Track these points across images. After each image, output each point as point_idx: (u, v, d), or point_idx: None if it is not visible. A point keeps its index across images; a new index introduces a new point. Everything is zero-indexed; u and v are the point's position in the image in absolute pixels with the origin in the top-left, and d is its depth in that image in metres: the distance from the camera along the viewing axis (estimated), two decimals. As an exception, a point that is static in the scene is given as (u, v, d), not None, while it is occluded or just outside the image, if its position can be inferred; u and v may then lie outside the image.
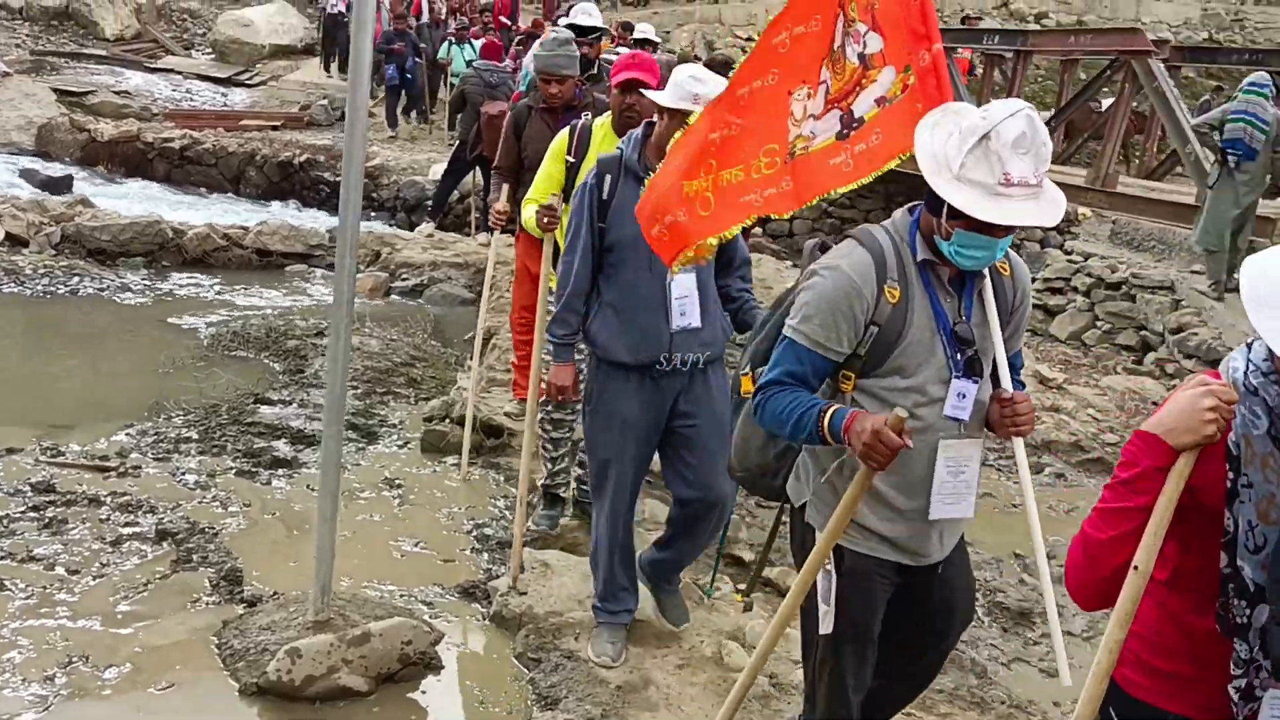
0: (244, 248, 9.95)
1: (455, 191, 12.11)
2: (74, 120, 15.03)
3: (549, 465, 4.85)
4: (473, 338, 8.14)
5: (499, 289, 8.85)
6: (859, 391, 2.48)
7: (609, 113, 4.37)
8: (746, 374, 2.68)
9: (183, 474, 5.37)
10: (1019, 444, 2.59)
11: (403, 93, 15.94)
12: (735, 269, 3.73)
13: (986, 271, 2.48)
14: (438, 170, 13.82)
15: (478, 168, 10.92)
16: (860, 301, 2.39)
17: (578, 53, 5.70)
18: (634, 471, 3.70)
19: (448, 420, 6.09)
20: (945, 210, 2.30)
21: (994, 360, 2.52)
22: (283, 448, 5.81)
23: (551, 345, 3.77)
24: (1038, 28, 15.93)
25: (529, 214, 4.34)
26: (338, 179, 14.13)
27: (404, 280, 9.70)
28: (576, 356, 3.96)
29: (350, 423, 6.25)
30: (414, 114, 16.46)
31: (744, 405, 2.69)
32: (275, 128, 16.12)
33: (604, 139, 4.31)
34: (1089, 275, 10.03)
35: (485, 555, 4.87)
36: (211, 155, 14.39)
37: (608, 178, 3.55)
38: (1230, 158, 8.71)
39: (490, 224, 5.33)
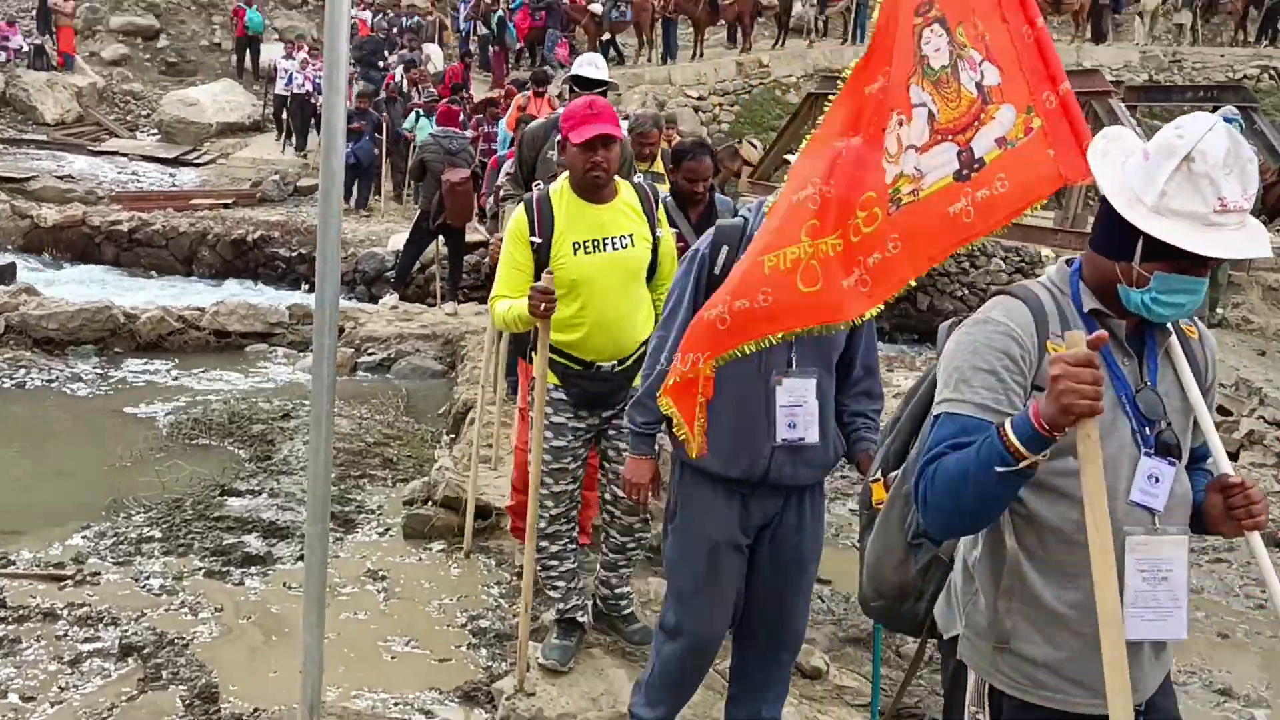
0: (200, 329, 9.53)
1: (417, 262, 11.80)
2: (15, 207, 14.55)
3: (556, 594, 4.03)
4: (448, 412, 7.80)
5: (472, 359, 8.52)
6: None
7: (564, 176, 3.73)
8: (877, 480, 2.24)
9: (146, 578, 4.93)
10: (1257, 541, 1.96)
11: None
12: (854, 382, 3.14)
13: (1171, 327, 2.02)
14: (396, 241, 13.52)
15: (440, 236, 10.63)
16: (1024, 355, 1.90)
17: None
18: (722, 610, 3.13)
19: (430, 503, 5.71)
20: (1139, 251, 1.87)
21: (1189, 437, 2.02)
22: (254, 543, 5.39)
23: (630, 433, 3.25)
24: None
25: (507, 309, 3.59)
26: (293, 254, 13.89)
27: (370, 355, 9.32)
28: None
29: (325, 511, 5.85)
30: (369, 191, 16.14)
31: (874, 520, 2.22)
32: (227, 205, 15.74)
33: (568, 207, 3.66)
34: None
35: (484, 651, 4.47)
36: (162, 236, 13.95)
37: (724, 250, 3.02)
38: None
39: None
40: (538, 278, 3.52)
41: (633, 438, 3.23)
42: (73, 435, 7.12)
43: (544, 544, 3.89)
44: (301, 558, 5.22)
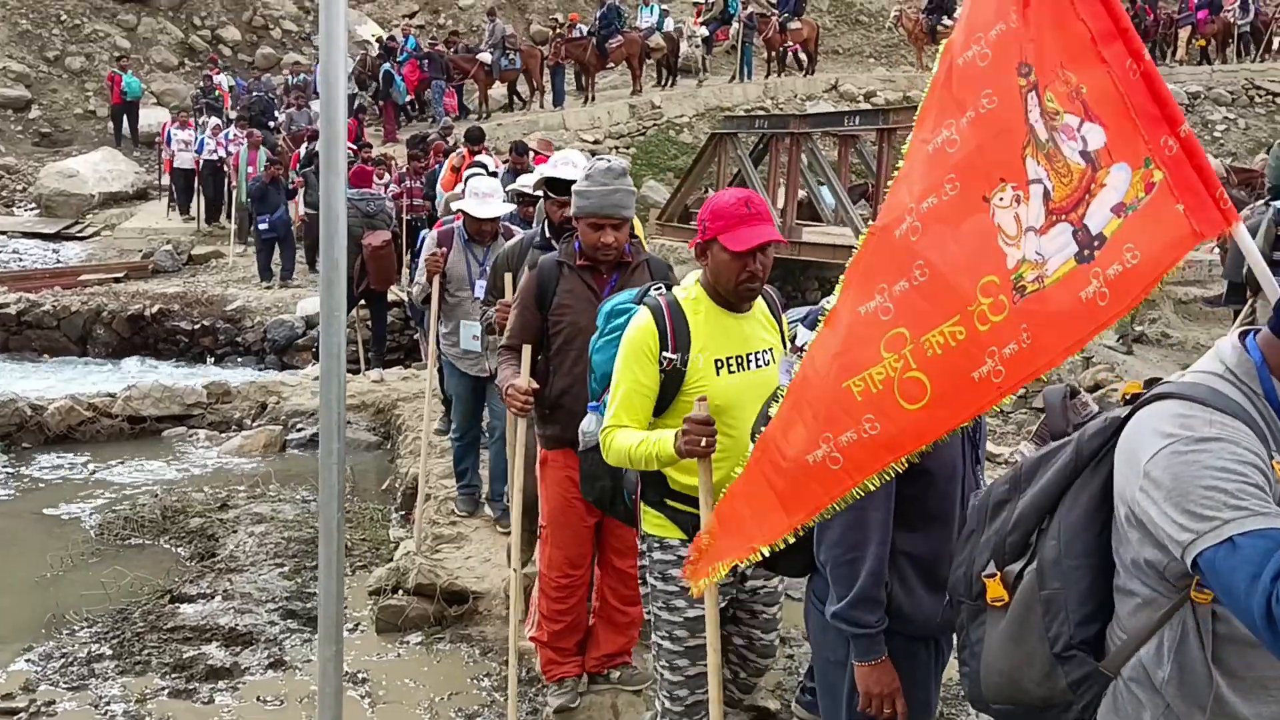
0: (113, 416, 9.03)
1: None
2: (-112, 296, 13.69)
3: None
4: (392, 487, 7.53)
5: (411, 429, 8.25)
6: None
7: (695, 279, 3.11)
8: (992, 576, 2.00)
9: (107, 704, 4.58)
10: None
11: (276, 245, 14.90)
12: None
13: None
14: (305, 306, 13.13)
15: (361, 300, 10.34)
16: (1267, 481, 1.65)
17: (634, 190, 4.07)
18: None
19: (401, 591, 5.44)
20: None
21: None
22: (217, 653, 5.06)
23: (857, 638, 2.55)
24: (899, 106, 16.46)
25: (636, 444, 2.92)
26: (195, 326, 13.36)
27: (299, 430, 8.96)
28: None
29: (285, 609, 5.56)
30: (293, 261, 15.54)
31: (996, 617, 2.00)
32: (118, 279, 15.08)
33: (706, 318, 3.04)
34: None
35: (488, 752, 4.26)
36: (53, 317, 13.25)
37: None
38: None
39: (515, 409, 3.78)
40: (665, 404, 3.02)
41: (863, 641, 2.55)
42: (-8, 545, 6.64)
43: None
44: (272, 665, 4.94)
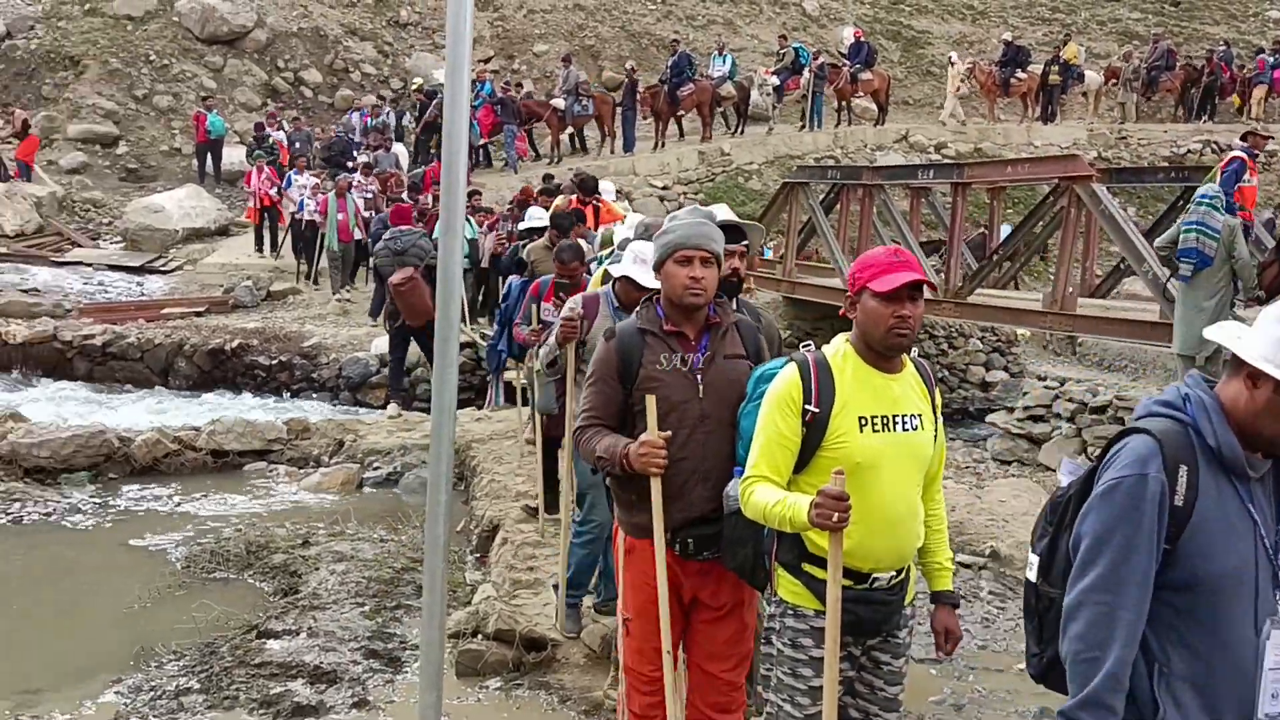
0: (197, 450, 9.27)
1: (404, 365, 11.72)
2: (-19, 324, 14.18)
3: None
4: (467, 529, 7.61)
5: (487, 471, 8.35)
6: None
7: (843, 340, 3.03)
8: None
9: (197, 738, 4.68)
10: None
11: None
12: None
13: None
14: (379, 345, 13.35)
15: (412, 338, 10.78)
16: None
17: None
18: None
19: (480, 636, 5.50)
20: None
21: None
22: (302, 690, 5.14)
23: None
24: (973, 159, 16.44)
25: (772, 503, 2.88)
26: (273, 362, 13.65)
27: (376, 469, 9.11)
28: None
29: (367, 648, 5.64)
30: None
31: None
32: (200, 313, 15.50)
33: (854, 374, 2.97)
34: (1070, 400, 9.96)
35: (571, 802, 4.27)
36: (137, 349, 13.65)
37: (1183, 471, 2.20)
38: (1184, 267, 8.78)
39: (656, 466, 3.27)
40: (806, 459, 2.95)
41: None
42: (83, 574, 6.82)
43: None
44: (356, 705, 5.02)
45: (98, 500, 8.24)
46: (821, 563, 2.85)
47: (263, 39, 24.18)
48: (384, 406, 11.52)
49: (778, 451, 2.96)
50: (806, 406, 2.93)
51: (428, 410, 10.73)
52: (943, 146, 22.79)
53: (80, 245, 19.03)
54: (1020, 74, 22.25)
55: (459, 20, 2.49)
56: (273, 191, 17.41)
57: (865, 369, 2.97)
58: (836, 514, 2.65)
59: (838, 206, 14.60)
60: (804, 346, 3.09)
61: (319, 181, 16.51)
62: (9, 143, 20.72)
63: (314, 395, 13.20)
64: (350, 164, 18.41)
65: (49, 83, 23.18)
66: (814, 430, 2.94)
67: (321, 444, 9.65)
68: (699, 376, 3.39)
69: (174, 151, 22.47)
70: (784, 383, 2.99)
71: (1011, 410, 10.65)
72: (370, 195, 16.00)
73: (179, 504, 8.26)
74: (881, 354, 2.96)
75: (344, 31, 25.34)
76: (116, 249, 19.13)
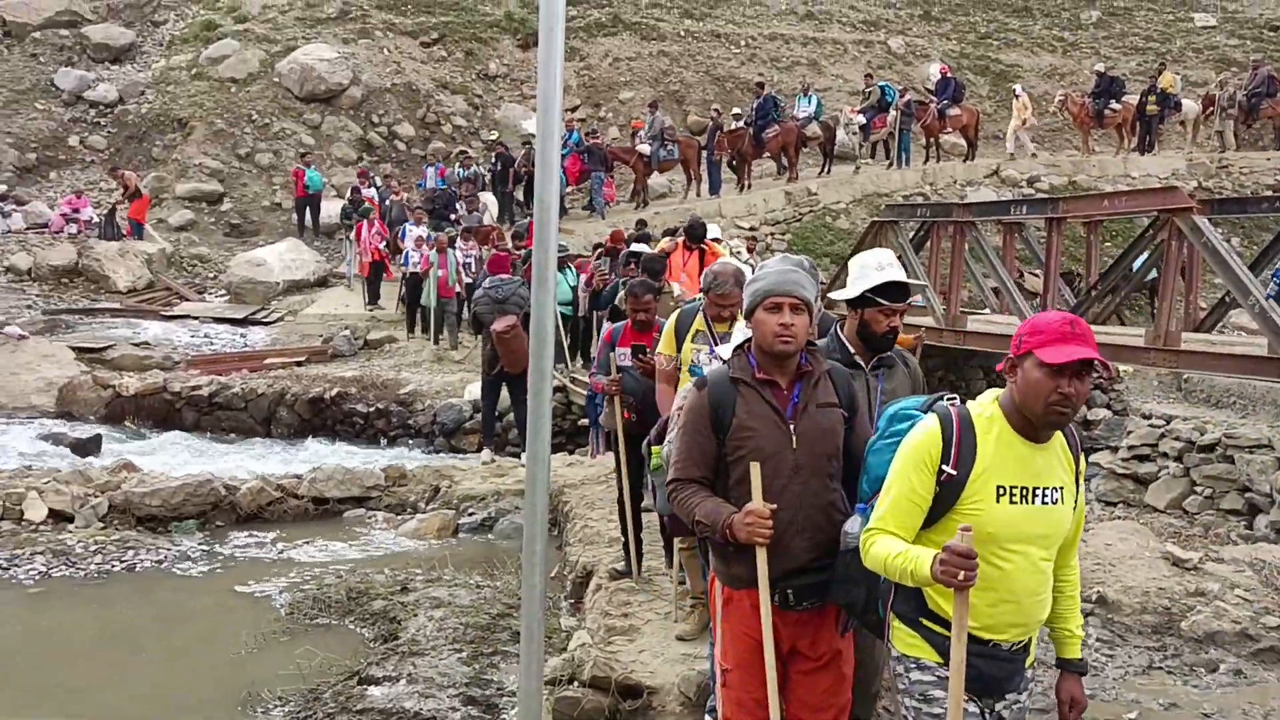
0: (299, 497, 9.51)
1: (496, 411, 11.86)
2: (96, 377, 14.78)
3: None
4: (560, 574, 7.65)
5: (579, 517, 8.39)
6: None
7: (990, 398, 2.92)
8: None
9: (302, 784, 4.77)
10: None
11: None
12: None
13: None
14: (473, 390, 13.52)
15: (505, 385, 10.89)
16: None
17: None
18: None
19: (576, 683, 5.51)
20: None
21: None
22: (403, 737, 5.22)
23: None
24: (1067, 194, 16.15)
25: (894, 555, 2.82)
26: (370, 409, 13.96)
27: (471, 515, 9.23)
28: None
29: (465, 695, 5.69)
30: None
31: None
32: (300, 363, 15.95)
33: (999, 440, 2.85)
34: (1177, 439, 9.65)
35: None
36: (241, 399, 14.10)
37: None
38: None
39: (762, 537, 3.22)
40: (936, 518, 2.87)
41: None
42: (192, 619, 7.03)
43: None
44: (456, 752, 5.04)
45: (205, 547, 8.49)
46: (940, 620, 2.80)
47: (358, 96, 24.97)
48: (478, 451, 11.69)
49: (906, 507, 2.87)
50: (944, 467, 2.82)
51: (519, 455, 10.92)
52: (1035, 180, 22.42)
53: (188, 299, 19.78)
54: (1115, 105, 21.82)
55: (549, 85, 2.56)
56: (382, 246, 17.81)
57: (1011, 435, 2.84)
58: (963, 572, 2.58)
59: (928, 244, 14.45)
60: (946, 398, 2.96)
61: (424, 234, 16.77)
62: (122, 204, 21.71)
63: (410, 441, 13.44)
64: (453, 215, 18.80)
65: (159, 144, 24.29)
66: (948, 492, 2.83)
67: (418, 490, 9.82)
68: (792, 426, 3.33)
69: (274, 206, 23.26)
70: (924, 437, 2.87)
71: (1116, 450, 10.34)
72: (471, 261, 16.16)
73: (282, 550, 8.47)
74: (1033, 424, 2.82)
75: (435, 86, 26.03)
76: (221, 302, 19.84)
